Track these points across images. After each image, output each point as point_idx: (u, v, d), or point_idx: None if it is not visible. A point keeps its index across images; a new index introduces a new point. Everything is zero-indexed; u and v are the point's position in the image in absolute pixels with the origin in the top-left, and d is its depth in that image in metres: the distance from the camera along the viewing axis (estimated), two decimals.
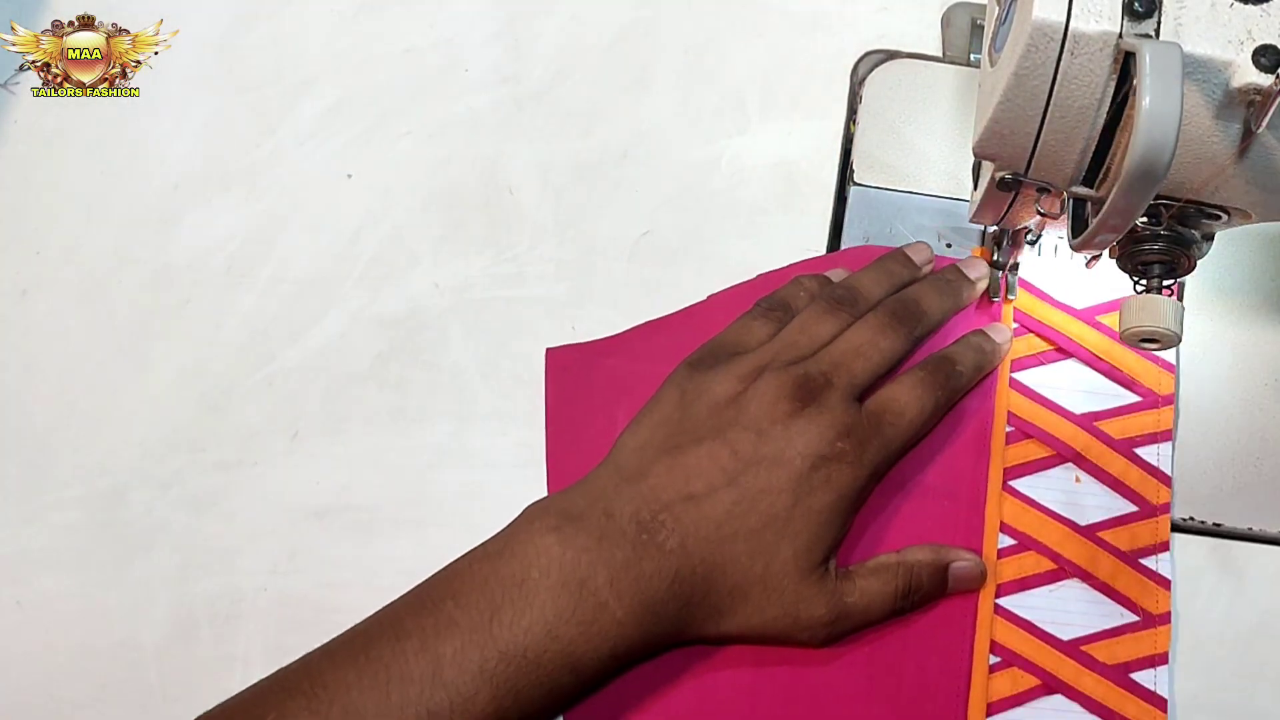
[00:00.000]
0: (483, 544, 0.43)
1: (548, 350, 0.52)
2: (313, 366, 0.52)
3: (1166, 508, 0.48)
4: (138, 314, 0.54)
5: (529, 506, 0.44)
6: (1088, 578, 0.47)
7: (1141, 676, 0.45)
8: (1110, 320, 0.50)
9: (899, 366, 0.47)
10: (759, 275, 0.52)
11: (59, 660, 0.48)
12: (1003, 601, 0.46)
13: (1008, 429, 0.49)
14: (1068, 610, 0.46)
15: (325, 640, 0.42)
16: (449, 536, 0.44)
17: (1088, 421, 0.49)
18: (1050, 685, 0.45)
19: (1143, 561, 0.47)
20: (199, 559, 0.49)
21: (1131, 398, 0.49)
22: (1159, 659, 0.45)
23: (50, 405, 0.52)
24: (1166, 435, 0.49)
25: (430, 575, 0.43)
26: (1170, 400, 0.49)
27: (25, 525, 0.50)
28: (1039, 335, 0.50)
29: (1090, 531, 0.47)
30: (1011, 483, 0.48)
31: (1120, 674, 0.45)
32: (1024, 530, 0.47)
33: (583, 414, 0.50)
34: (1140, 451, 0.48)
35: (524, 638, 0.40)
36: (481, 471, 0.50)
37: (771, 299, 0.49)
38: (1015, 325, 0.50)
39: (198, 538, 0.50)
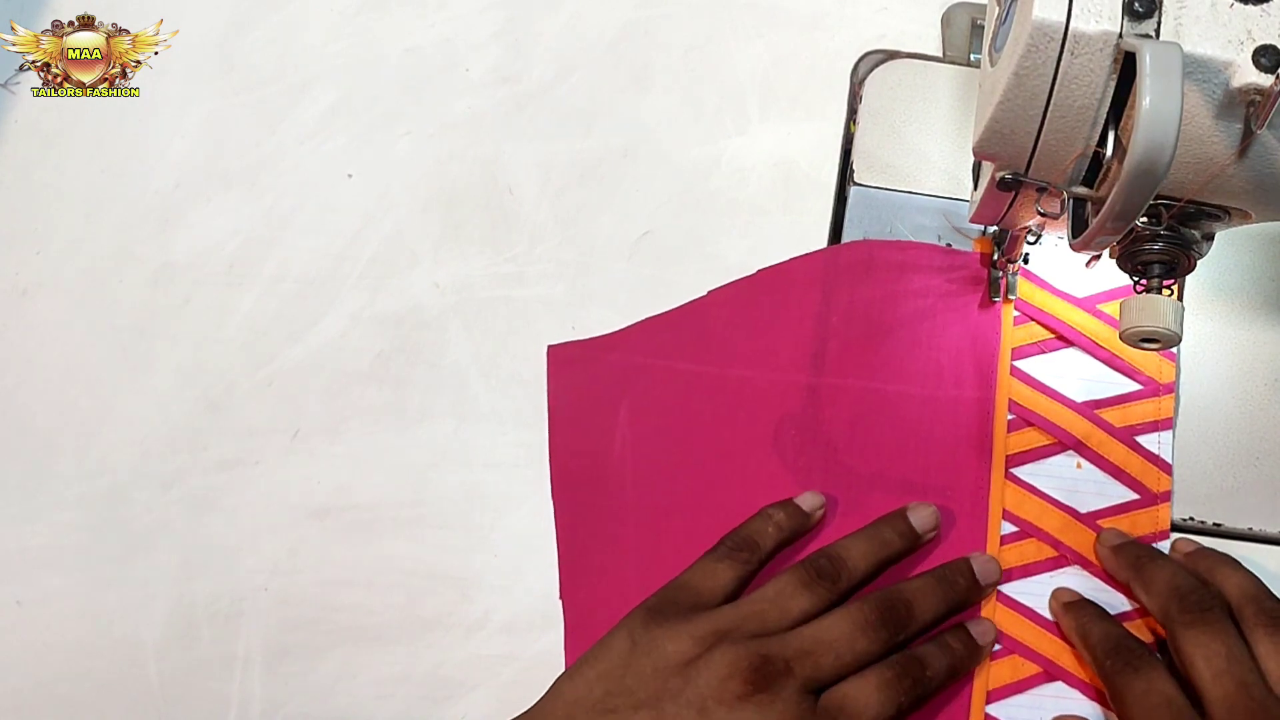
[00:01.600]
0: None
1: (550, 347, 0.52)
2: (313, 366, 0.52)
3: (1167, 495, 0.48)
4: (138, 313, 0.54)
5: None
6: (1088, 565, 0.47)
7: None
8: (1111, 309, 0.50)
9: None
10: (758, 271, 0.52)
11: (59, 660, 0.48)
12: (1004, 589, 0.46)
13: (1009, 416, 0.49)
14: None
15: (325, 640, 0.42)
16: (449, 536, 0.44)
17: (1089, 410, 0.49)
18: (1051, 672, 0.45)
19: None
20: (199, 558, 0.49)
21: (1132, 385, 0.49)
22: (1160, 646, 0.45)
23: (50, 405, 0.52)
24: (1167, 423, 0.49)
25: None
26: (1171, 389, 0.49)
27: (25, 525, 0.50)
28: (1040, 323, 0.50)
29: (1090, 519, 0.47)
30: (1013, 470, 0.48)
31: None
32: (1025, 517, 0.47)
33: (585, 409, 0.51)
34: (1141, 439, 0.49)
35: None
36: (481, 471, 0.50)
37: (736, 537, 0.46)
38: (1017, 314, 0.50)
39: (198, 537, 0.50)
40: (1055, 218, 0.41)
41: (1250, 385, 0.50)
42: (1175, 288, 0.41)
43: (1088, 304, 0.51)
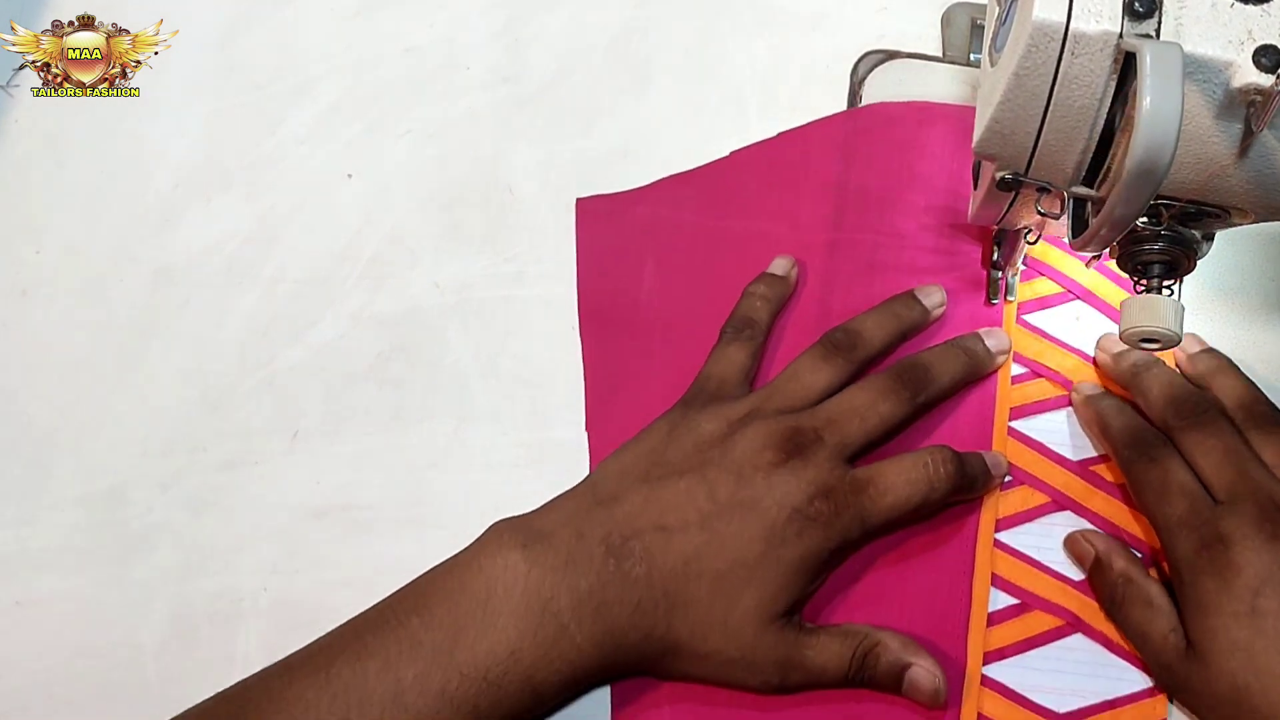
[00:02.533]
0: (451, 557, 0.43)
1: (578, 200, 0.54)
2: (313, 366, 0.52)
3: None
4: (138, 314, 0.54)
5: (497, 522, 0.44)
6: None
7: None
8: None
9: (897, 430, 0.46)
10: (779, 134, 0.54)
11: (59, 660, 0.48)
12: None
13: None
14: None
15: None
16: (449, 536, 0.44)
17: (1084, 469, 0.48)
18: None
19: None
20: (199, 559, 0.49)
21: None
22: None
23: (50, 405, 0.52)
24: None
25: (397, 589, 0.43)
26: None
27: (25, 525, 0.50)
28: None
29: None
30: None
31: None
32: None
33: (612, 261, 0.53)
34: None
35: (486, 659, 0.40)
36: (481, 471, 0.50)
37: (733, 320, 0.49)
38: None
39: (198, 537, 0.50)
40: (1055, 218, 0.41)
41: None
42: (1175, 288, 0.41)
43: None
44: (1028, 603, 0.46)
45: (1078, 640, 0.45)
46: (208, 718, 0.41)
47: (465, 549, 0.43)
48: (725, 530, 0.42)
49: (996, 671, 0.45)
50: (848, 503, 0.43)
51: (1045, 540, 0.47)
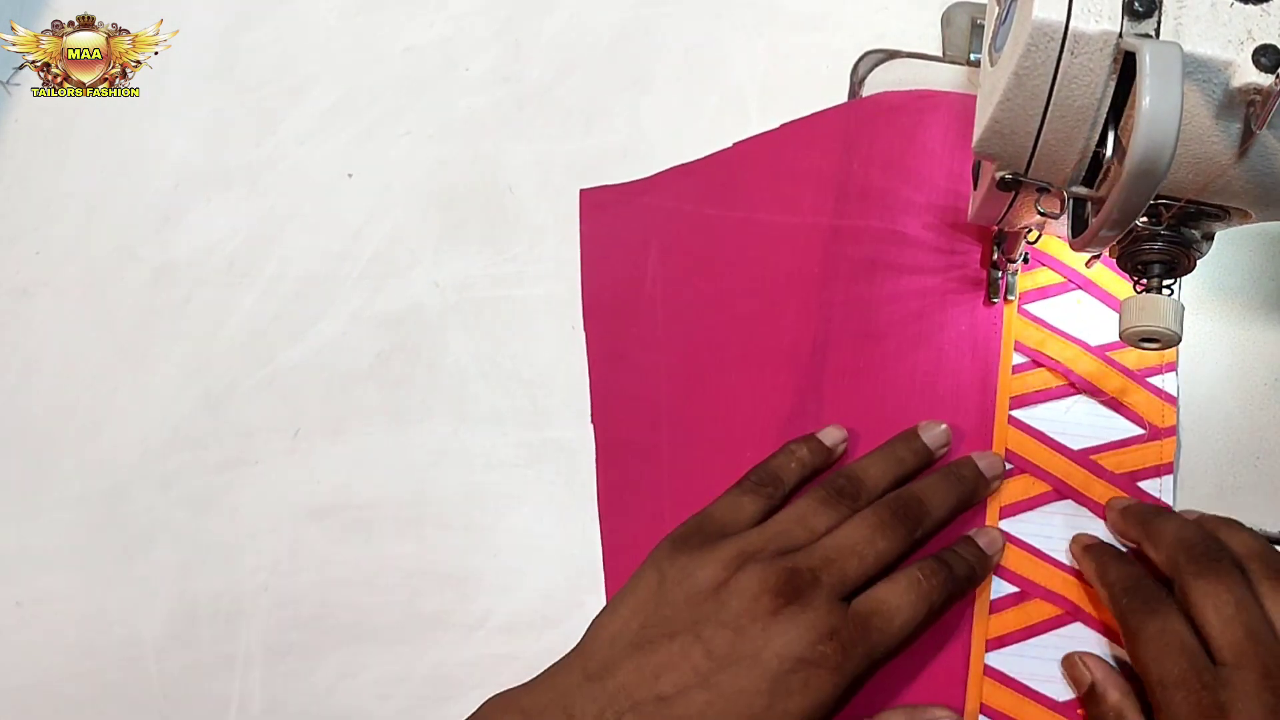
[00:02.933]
0: None
1: (582, 191, 0.54)
2: (313, 366, 0.52)
3: (1172, 430, 0.48)
4: (139, 313, 0.54)
5: (488, 700, 0.43)
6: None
7: None
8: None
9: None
10: (781, 125, 0.54)
11: (59, 660, 0.48)
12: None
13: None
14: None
15: (325, 640, 0.42)
16: (449, 536, 0.44)
17: (1100, 352, 0.49)
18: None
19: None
20: (199, 558, 0.49)
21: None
22: None
23: (50, 405, 0.52)
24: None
25: None
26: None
27: (25, 525, 0.50)
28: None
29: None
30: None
31: None
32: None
33: (616, 250, 0.53)
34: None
35: None
36: (481, 472, 0.50)
37: (761, 471, 0.47)
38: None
39: (198, 537, 0.50)
40: (1055, 218, 0.41)
41: (1250, 385, 0.50)
42: (1175, 287, 0.41)
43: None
44: (1028, 591, 0.46)
45: (1077, 629, 0.45)
46: None
47: None
48: (728, 687, 0.40)
49: (997, 660, 0.45)
50: (855, 640, 0.41)
51: (1045, 529, 0.47)
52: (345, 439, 0.51)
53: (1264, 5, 0.35)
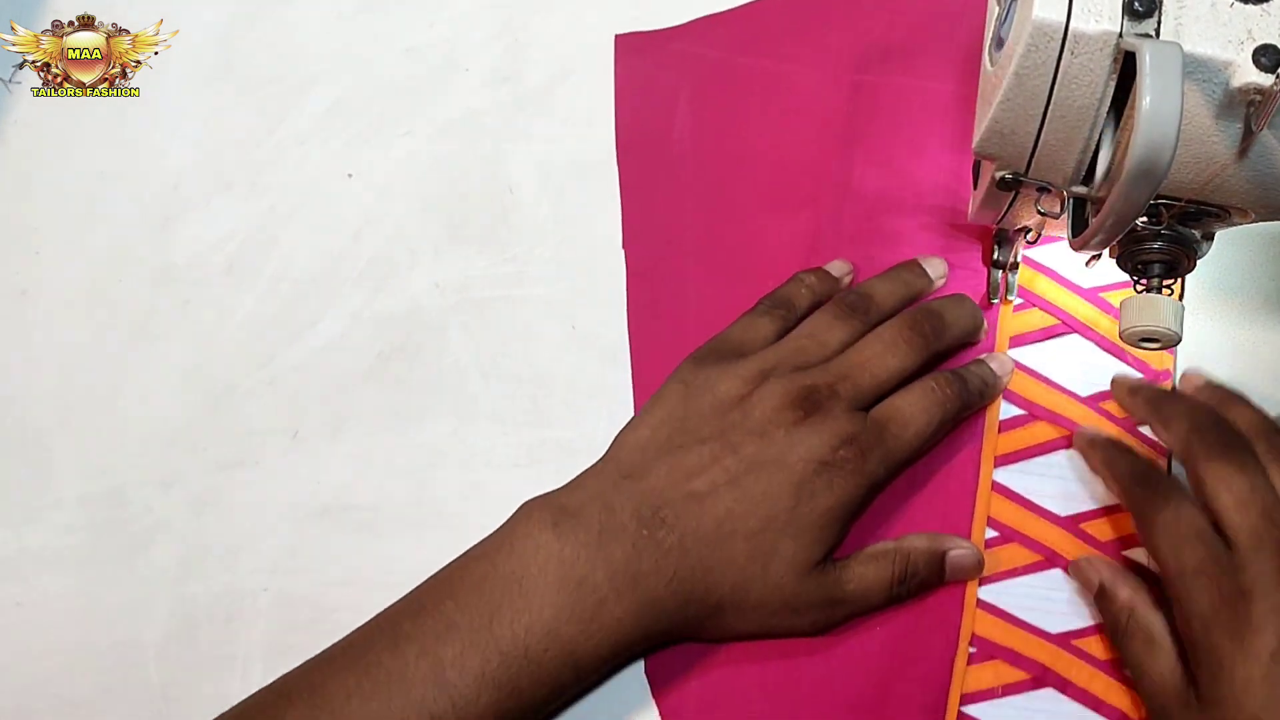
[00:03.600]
0: (480, 541, 0.44)
1: (617, 36, 0.57)
2: (313, 366, 0.52)
3: (1168, 374, 0.49)
4: (138, 314, 0.54)
5: (526, 502, 0.44)
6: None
7: None
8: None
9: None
10: None
11: (59, 660, 0.48)
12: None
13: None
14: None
15: (325, 640, 0.43)
16: (449, 536, 0.44)
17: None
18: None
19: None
20: (199, 559, 0.49)
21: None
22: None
23: (50, 405, 0.52)
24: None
25: (428, 577, 0.43)
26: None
27: (25, 525, 0.50)
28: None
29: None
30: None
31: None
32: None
33: (648, 95, 0.55)
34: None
35: (525, 637, 0.40)
36: (481, 471, 0.50)
37: (774, 297, 0.49)
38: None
39: (198, 537, 0.50)
40: (1055, 217, 0.41)
41: (1250, 385, 0.50)
42: (1175, 287, 0.41)
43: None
44: (1034, 413, 0.48)
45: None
46: (251, 713, 0.41)
47: (495, 531, 0.44)
48: (755, 489, 0.43)
49: (1004, 476, 0.48)
50: (873, 445, 0.44)
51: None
52: (345, 439, 0.51)
53: (1264, 5, 0.35)
